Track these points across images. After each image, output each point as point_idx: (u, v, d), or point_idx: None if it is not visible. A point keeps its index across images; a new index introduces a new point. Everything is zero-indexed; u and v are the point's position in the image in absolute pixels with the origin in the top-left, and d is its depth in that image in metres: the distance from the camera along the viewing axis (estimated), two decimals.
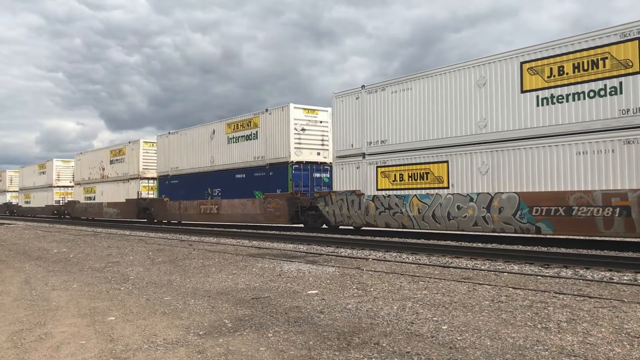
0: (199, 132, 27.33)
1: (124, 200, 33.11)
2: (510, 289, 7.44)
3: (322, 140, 22.63)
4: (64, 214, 42.99)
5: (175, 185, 28.87)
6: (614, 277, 8.41)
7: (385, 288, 7.78)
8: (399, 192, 16.58)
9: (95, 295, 8.06)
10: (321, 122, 22.64)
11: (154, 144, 32.16)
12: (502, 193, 13.83)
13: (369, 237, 16.47)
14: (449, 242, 14.13)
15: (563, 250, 12.10)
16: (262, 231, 21.40)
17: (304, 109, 22.26)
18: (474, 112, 14.69)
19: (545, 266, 9.77)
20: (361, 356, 4.60)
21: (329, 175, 22.27)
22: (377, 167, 17.36)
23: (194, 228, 24.22)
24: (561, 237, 14.02)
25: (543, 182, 13.11)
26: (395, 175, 16.80)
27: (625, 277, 8.38)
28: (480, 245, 13.20)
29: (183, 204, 27.76)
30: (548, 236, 14.06)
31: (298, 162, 21.76)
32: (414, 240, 15.10)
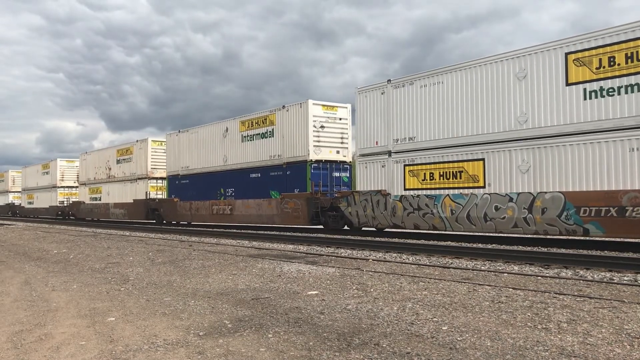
0: (211, 130, 26.49)
1: (132, 201, 32.32)
2: (511, 289, 7.44)
3: (342, 138, 21.78)
4: (69, 215, 42.00)
5: (186, 185, 28.09)
6: (614, 278, 8.41)
7: (386, 289, 7.77)
8: (429, 192, 15.66)
9: (95, 296, 8.06)
10: (340, 119, 21.76)
11: (162, 143, 31.43)
12: (546, 193, 12.95)
13: (369, 238, 16.45)
14: (449, 243, 14.11)
15: (563, 250, 12.08)
16: (262, 232, 21.37)
17: (323, 105, 21.41)
18: (513, 107, 13.80)
19: (546, 267, 9.77)
20: (361, 357, 4.60)
21: (348, 175, 21.72)
22: (405, 165, 16.44)
23: (194, 229, 24.19)
24: (558, 239, 14.02)
25: (592, 181, 12.29)
26: (425, 174, 15.87)
27: (625, 278, 8.38)
28: (480, 245, 13.18)
29: (194, 204, 26.96)
30: (597, 238, 13.51)
31: (317, 161, 20.88)
32: (414, 241, 15.08)
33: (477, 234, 15.30)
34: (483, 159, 14.49)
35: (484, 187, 14.41)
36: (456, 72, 15.25)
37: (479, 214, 14.29)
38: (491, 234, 15.09)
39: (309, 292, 7.71)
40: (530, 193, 13.34)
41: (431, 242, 14.43)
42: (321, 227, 20.54)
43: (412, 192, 16.20)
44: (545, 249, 12.40)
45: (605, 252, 11.55)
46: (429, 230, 16.00)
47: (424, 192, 15.85)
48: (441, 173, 15.47)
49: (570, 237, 13.36)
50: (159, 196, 30.95)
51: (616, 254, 10.87)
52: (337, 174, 21.54)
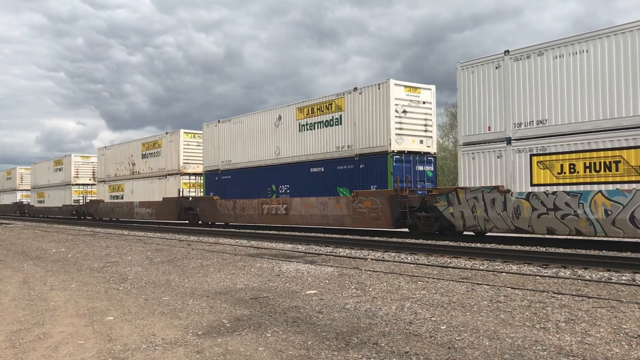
0: (259, 119, 23.62)
1: (161, 200, 29.40)
2: (509, 289, 7.45)
3: (426, 125, 18.68)
4: (85, 215, 38.56)
5: (228, 182, 25.16)
6: (612, 277, 8.43)
7: (384, 288, 7.78)
8: (570, 188, 12.57)
9: (94, 295, 8.05)
10: (424, 102, 18.67)
11: (196, 135, 28.90)
12: None
13: (367, 237, 16.46)
14: (447, 243, 14.14)
15: (561, 250, 12.10)
16: (260, 231, 21.37)
17: (405, 86, 18.38)
18: None
19: (544, 266, 9.79)
20: (360, 356, 4.61)
21: (433, 169, 18.99)
22: (532, 155, 13.38)
23: (192, 228, 24.18)
24: (560, 237, 14.03)
25: None
26: (562, 165, 12.80)
27: (623, 277, 8.39)
28: (478, 245, 13.21)
29: (239, 203, 23.84)
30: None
31: (399, 152, 17.79)
32: (412, 241, 15.11)
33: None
34: None
35: None
36: (609, 38, 12.24)
37: None
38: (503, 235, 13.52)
39: (308, 292, 7.71)
40: None
41: (429, 242, 14.45)
42: (406, 230, 17.54)
43: (543, 189, 13.09)
44: (544, 249, 12.43)
45: (604, 251, 11.57)
46: (569, 235, 12.94)
47: (562, 187, 12.78)
48: (587, 164, 12.42)
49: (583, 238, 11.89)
50: (192, 194, 28.25)
51: (614, 254, 10.89)
52: (420, 168, 18.46)
